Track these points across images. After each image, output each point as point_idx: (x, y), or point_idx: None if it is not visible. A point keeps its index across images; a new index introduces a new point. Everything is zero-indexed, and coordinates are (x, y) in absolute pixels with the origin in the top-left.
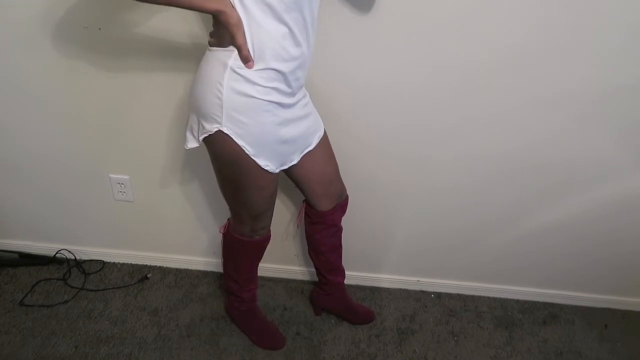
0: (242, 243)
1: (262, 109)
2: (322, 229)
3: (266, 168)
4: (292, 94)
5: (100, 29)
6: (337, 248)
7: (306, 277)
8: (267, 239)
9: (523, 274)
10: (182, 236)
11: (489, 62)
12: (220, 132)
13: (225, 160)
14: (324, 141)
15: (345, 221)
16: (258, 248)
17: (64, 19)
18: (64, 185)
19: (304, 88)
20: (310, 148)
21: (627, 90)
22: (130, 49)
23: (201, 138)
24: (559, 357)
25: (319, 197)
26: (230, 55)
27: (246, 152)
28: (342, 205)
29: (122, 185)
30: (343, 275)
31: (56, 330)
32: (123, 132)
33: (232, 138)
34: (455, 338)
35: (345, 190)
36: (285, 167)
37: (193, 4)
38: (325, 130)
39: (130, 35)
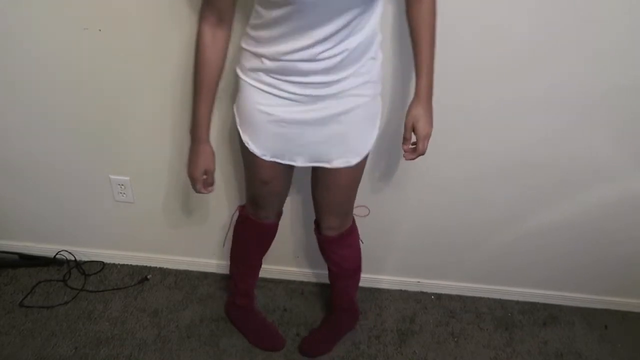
0: (247, 220)
1: (250, 87)
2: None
3: (246, 145)
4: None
5: (100, 30)
6: (336, 273)
7: (306, 279)
8: (270, 226)
9: (523, 275)
10: (182, 237)
11: (488, 61)
12: None
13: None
14: (348, 172)
15: None
16: (260, 231)
17: (64, 20)
18: (64, 186)
19: (341, 100)
20: (327, 165)
21: (627, 90)
22: (130, 50)
23: None
24: (559, 358)
25: (318, 215)
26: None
27: (236, 118)
28: (333, 237)
29: (123, 187)
30: (344, 317)
31: (56, 331)
32: (123, 133)
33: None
34: (456, 339)
35: (345, 228)
36: (282, 161)
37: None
38: (359, 166)
39: (130, 36)
